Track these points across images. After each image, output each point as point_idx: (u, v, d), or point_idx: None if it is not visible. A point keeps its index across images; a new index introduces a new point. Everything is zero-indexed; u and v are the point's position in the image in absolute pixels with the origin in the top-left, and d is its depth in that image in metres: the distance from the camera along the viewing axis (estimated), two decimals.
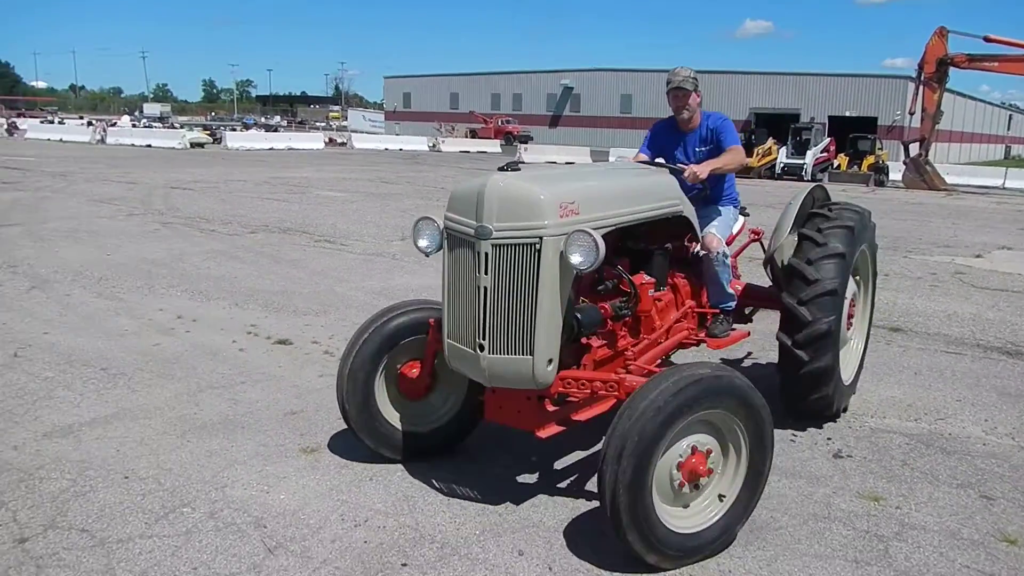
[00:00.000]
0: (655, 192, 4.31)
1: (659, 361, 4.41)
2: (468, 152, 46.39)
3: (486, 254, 3.43)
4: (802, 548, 3.61)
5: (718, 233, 4.83)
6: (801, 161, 32.05)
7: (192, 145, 40.16)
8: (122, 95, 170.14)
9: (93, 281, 8.57)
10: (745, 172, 31.77)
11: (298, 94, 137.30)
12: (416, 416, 4.33)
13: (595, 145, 48.08)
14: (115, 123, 54.68)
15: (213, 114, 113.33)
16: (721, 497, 3.50)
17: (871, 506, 4.04)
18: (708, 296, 4.97)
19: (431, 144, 48.22)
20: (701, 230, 4.78)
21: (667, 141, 5.14)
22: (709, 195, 5.00)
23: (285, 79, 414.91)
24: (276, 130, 60.00)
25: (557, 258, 3.38)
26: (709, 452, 3.42)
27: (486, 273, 3.44)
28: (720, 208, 5.09)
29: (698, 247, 4.86)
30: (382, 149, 45.42)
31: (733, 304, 5.03)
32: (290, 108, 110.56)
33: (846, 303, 4.88)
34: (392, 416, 4.27)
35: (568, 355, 3.76)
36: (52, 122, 55.52)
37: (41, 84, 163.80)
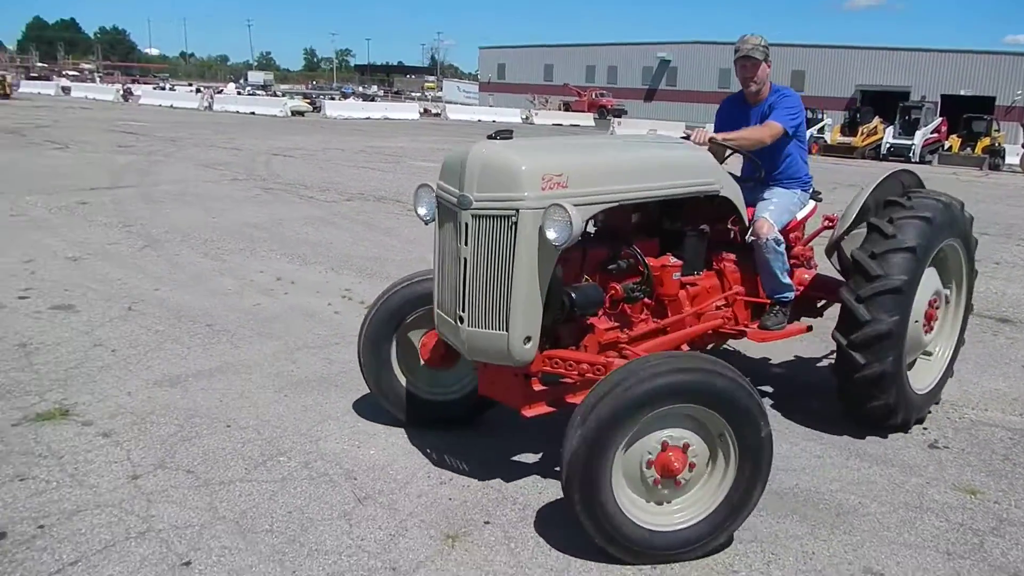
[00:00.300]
0: (678, 168, 3.99)
1: (682, 347, 4.14)
2: (560, 125, 46.15)
3: (466, 224, 3.32)
4: (891, 536, 3.53)
5: (771, 218, 4.48)
6: (909, 142, 30.62)
7: (293, 113, 41.31)
8: (228, 63, 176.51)
9: (200, 242, 8.99)
10: (847, 152, 30.62)
11: (395, 64, 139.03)
12: (435, 385, 4.35)
13: (691, 120, 46.90)
14: (221, 90, 56.68)
15: (313, 83, 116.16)
16: (704, 503, 3.27)
17: (967, 499, 3.91)
18: (762, 285, 4.63)
19: (524, 116, 48.20)
20: (756, 213, 4.51)
21: (734, 116, 4.83)
22: (765, 176, 4.70)
23: (383, 48, 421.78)
24: (373, 100, 61.03)
25: (536, 232, 3.22)
26: (687, 446, 3.18)
27: (466, 244, 3.34)
28: (782, 190, 4.74)
29: (749, 233, 4.51)
30: (475, 120, 45.66)
31: (790, 295, 4.63)
32: (387, 78, 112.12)
33: (921, 303, 4.45)
34: (409, 382, 4.31)
35: (567, 334, 3.69)
36: (163, 88, 58.03)
37: (154, 51, 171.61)
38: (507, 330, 3.33)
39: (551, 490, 3.75)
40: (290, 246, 9.07)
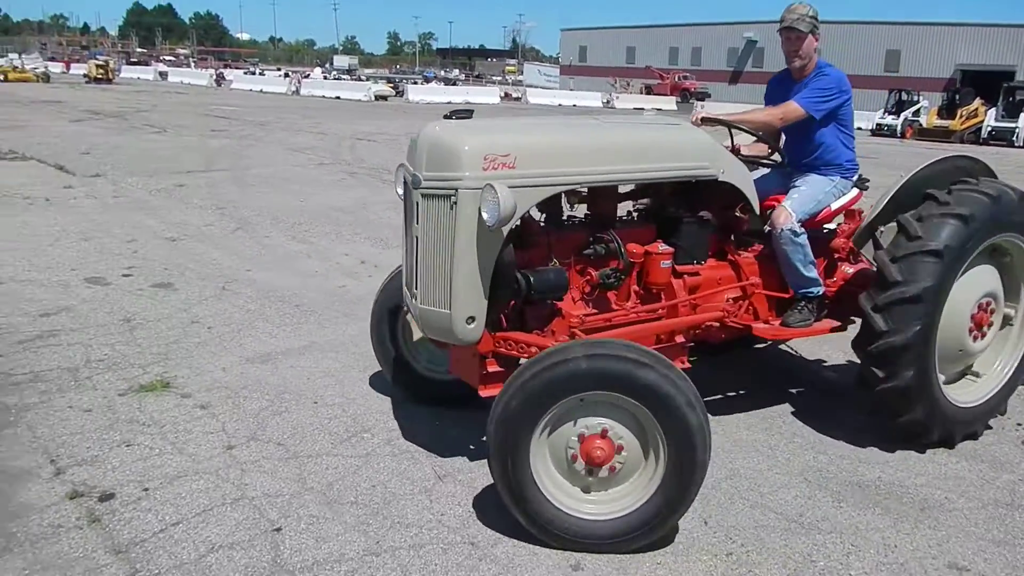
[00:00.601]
0: (659, 151, 3.78)
1: (676, 338, 3.97)
2: (642, 109, 45.57)
3: (417, 203, 3.37)
4: (978, 532, 3.45)
5: (792, 206, 4.18)
6: (1012, 125, 29.02)
7: (376, 98, 42.02)
8: (314, 47, 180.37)
9: (288, 225, 9.30)
10: (944, 136, 29.27)
11: (476, 47, 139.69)
12: (434, 362, 4.42)
13: None
14: (308, 75, 58.08)
15: (397, 67, 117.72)
16: (636, 495, 3.16)
17: None
18: (786, 279, 4.32)
19: (604, 100, 47.78)
20: (782, 201, 4.24)
21: (779, 94, 4.48)
22: (797, 162, 4.44)
23: (465, 31, 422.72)
24: (455, 84, 61.51)
25: (475, 213, 3.20)
26: (605, 431, 3.12)
27: (417, 222, 3.39)
28: (817, 177, 4.37)
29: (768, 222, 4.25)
30: (556, 104, 45.52)
31: (816, 291, 4.27)
32: (468, 61, 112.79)
33: (964, 306, 4.07)
34: (411, 359, 4.45)
35: (534, 317, 3.67)
36: (254, 73, 59.87)
37: (244, 36, 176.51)
38: (450, 309, 3.35)
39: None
40: (374, 229, 9.30)
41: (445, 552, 3.15)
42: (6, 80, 41.82)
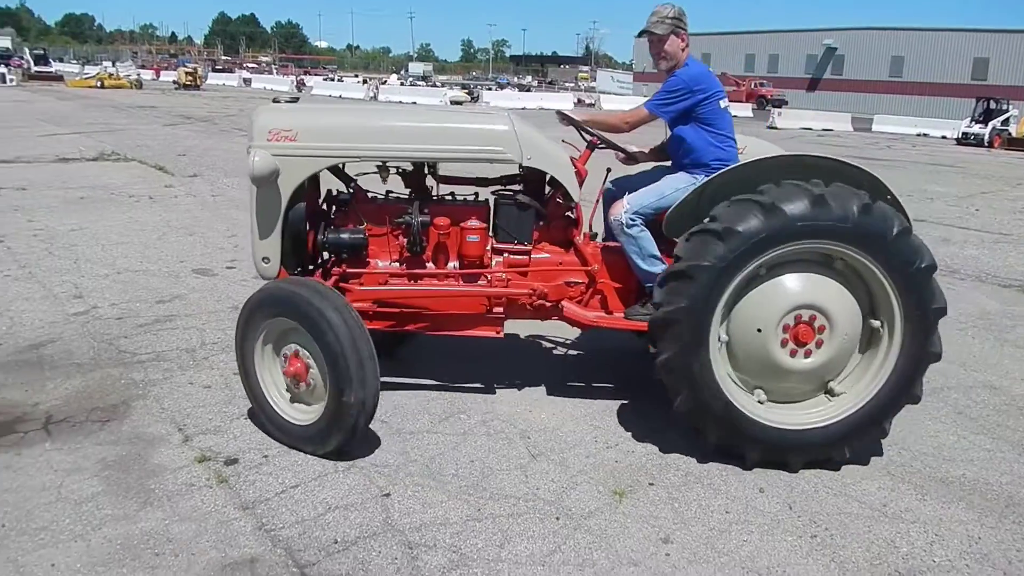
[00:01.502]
0: (447, 135, 4.20)
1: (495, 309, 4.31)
2: None
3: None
4: None
5: (630, 199, 4.17)
6: None
7: (452, 103, 42.65)
8: (390, 54, 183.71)
9: None
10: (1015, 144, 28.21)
11: (549, 54, 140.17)
12: None
13: (858, 111, 44.64)
14: (385, 81, 59.39)
15: (472, 73, 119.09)
16: (318, 406, 3.82)
17: None
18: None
19: None
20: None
21: None
22: (672, 160, 4.44)
23: (538, 38, 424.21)
24: (528, 90, 61.97)
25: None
26: (297, 353, 3.81)
27: None
28: (681, 175, 4.27)
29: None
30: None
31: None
32: (541, 68, 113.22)
33: (769, 311, 3.75)
34: None
35: (350, 269, 4.31)
36: (333, 79, 61.46)
37: (323, 44, 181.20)
38: (252, 248, 4.27)
39: (713, 457, 3.94)
40: None
41: (542, 521, 3.37)
42: (103, 87, 44.02)
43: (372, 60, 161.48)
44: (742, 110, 47.19)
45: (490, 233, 4.38)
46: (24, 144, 16.46)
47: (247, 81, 57.08)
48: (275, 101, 4.36)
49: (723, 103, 4.25)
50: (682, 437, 4.16)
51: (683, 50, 4.26)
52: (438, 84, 65.69)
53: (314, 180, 4.41)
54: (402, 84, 58.16)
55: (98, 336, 5.38)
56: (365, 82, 55.24)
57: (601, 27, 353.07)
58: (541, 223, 4.43)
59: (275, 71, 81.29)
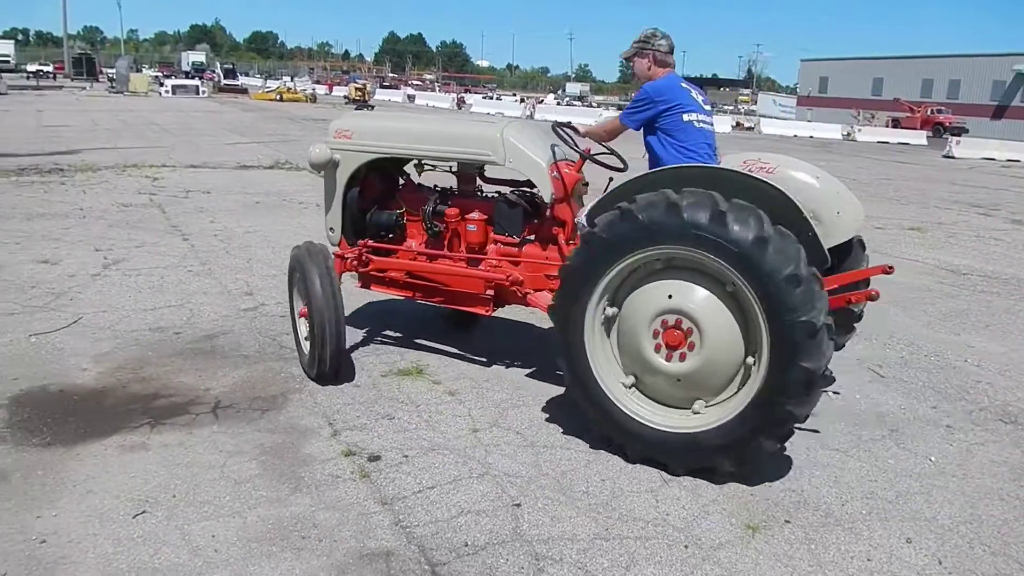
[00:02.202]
0: (446, 138, 5.16)
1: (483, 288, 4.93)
2: (887, 143, 42.77)
3: None
4: None
5: (590, 204, 4.44)
6: None
7: None
8: (548, 74, 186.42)
9: None
10: None
11: (709, 76, 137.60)
12: None
13: None
14: (542, 100, 60.30)
15: (626, 94, 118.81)
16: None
17: None
18: None
19: (845, 132, 45.35)
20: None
21: None
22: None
23: (698, 61, 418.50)
24: None
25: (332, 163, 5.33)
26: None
27: None
28: None
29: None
30: (791, 135, 43.88)
31: None
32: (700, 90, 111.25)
33: (640, 310, 3.94)
34: None
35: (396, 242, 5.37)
36: (491, 97, 63.12)
37: (484, 63, 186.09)
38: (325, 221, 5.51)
39: (855, 501, 3.78)
40: None
41: (670, 548, 3.34)
42: (282, 100, 47.32)
43: (531, 80, 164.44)
44: (916, 138, 44.54)
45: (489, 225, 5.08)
46: (211, 151, 17.98)
47: (411, 97, 59.58)
48: (358, 108, 5.38)
49: (687, 116, 4.45)
50: (824, 471, 4.01)
51: (649, 68, 4.68)
52: (594, 104, 66.01)
53: (375, 169, 5.40)
54: (558, 104, 58.87)
55: (264, 331, 5.81)
56: (522, 101, 56.35)
57: (765, 50, 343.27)
58: (534, 221, 5.04)
59: (438, 88, 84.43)
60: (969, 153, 33.61)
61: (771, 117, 58.59)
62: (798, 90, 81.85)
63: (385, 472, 3.84)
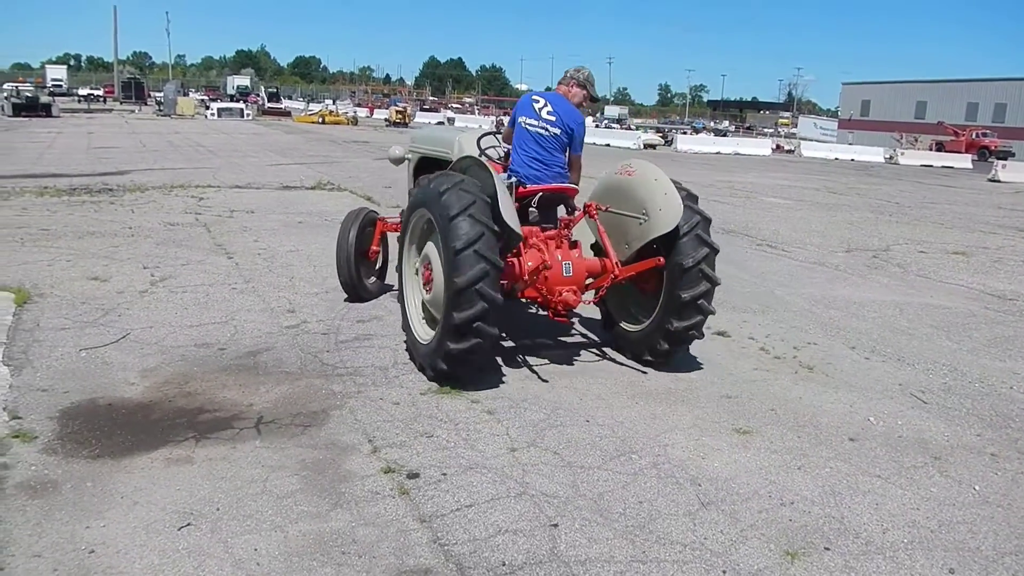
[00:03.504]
0: (436, 142, 7.49)
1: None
2: (931, 167, 42.16)
3: None
4: None
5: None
6: None
7: (645, 146, 42.80)
8: None
9: None
10: None
11: (748, 100, 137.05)
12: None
13: None
14: None
15: (665, 118, 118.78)
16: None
17: None
18: None
19: (887, 156, 44.79)
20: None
21: None
22: None
23: (738, 84, 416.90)
24: (724, 135, 60.84)
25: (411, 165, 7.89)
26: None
27: None
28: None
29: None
30: (832, 158, 43.51)
31: None
32: (739, 113, 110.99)
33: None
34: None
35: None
36: None
37: (523, 87, 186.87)
38: None
39: (897, 529, 3.72)
40: None
41: (707, 572, 3.32)
42: (324, 122, 48.18)
43: None
44: (960, 161, 43.86)
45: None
46: (255, 172, 18.36)
47: (451, 120, 60.20)
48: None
49: (523, 123, 5.95)
50: (864, 503, 3.96)
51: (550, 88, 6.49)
52: (632, 127, 66.05)
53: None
54: (596, 126, 58.97)
55: (305, 348, 5.91)
56: None
57: (806, 73, 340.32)
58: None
59: (476, 111, 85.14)
60: (1015, 177, 32.99)
61: (812, 140, 58.08)
62: (839, 113, 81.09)
63: (424, 489, 3.88)
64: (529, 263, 5.57)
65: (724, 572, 3.33)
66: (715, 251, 5.68)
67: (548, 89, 6.38)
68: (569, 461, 4.28)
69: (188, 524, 3.47)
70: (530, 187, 5.90)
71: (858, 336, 7.12)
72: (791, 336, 7.00)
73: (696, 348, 6.32)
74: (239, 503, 3.66)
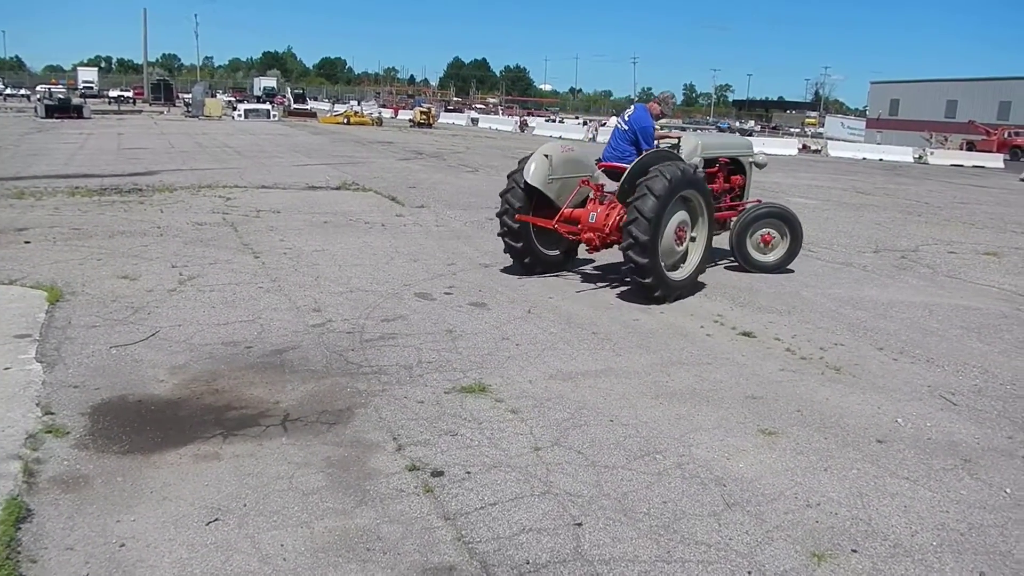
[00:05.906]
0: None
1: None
2: (961, 166, 41.48)
3: None
4: None
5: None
6: None
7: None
8: (611, 98, 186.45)
9: (582, 261, 9.88)
10: None
11: (774, 99, 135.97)
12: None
13: None
14: (604, 123, 60.29)
15: (691, 118, 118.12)
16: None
17: None
18: None
19: (916, 155, 44.17)
20: None
21: None
22: None
23: (764, 84, 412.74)
24: (750, 135, 60.38)
25: None
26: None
27: None
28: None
29: None
30: (859, 158, 42.96)
31: None
32: (765, 113, 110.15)
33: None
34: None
35: None
36: (553, 120, 63.48)
37: (547, 87, 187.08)
38: None
39: (926, 532, 3.68)
40: None
41: (732, 573, 3.31)
42: (348, 123, 48.48)
43: (593, 103, 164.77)
44: (992, 161, 43.15)
45: None
46: (282, 173, 18.51)
47: (475, 121, 60.31)
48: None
49: (612, 124, 9.02)
50: (893, 505, 3.92)
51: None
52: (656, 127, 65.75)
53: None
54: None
55: (331, 347, 5.96)
56: (585, 124, 56.50)
57: (833, 73, 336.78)
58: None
59: (501, 112, 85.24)
60: None
61: (839, 140, 57.50)
62: (868, 112, 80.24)
63: (448, 488, 3.89)
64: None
65: (749, 573, 3.31)
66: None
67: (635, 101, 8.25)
68: (593, 460, 4.27)
69: (216, 519, 3.52)
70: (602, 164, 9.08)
71: (886, 337, 7.04)
72: (818, 337, 6.94)
73: (721, 348, 6.29)
74: (266, 499, 3.70)
